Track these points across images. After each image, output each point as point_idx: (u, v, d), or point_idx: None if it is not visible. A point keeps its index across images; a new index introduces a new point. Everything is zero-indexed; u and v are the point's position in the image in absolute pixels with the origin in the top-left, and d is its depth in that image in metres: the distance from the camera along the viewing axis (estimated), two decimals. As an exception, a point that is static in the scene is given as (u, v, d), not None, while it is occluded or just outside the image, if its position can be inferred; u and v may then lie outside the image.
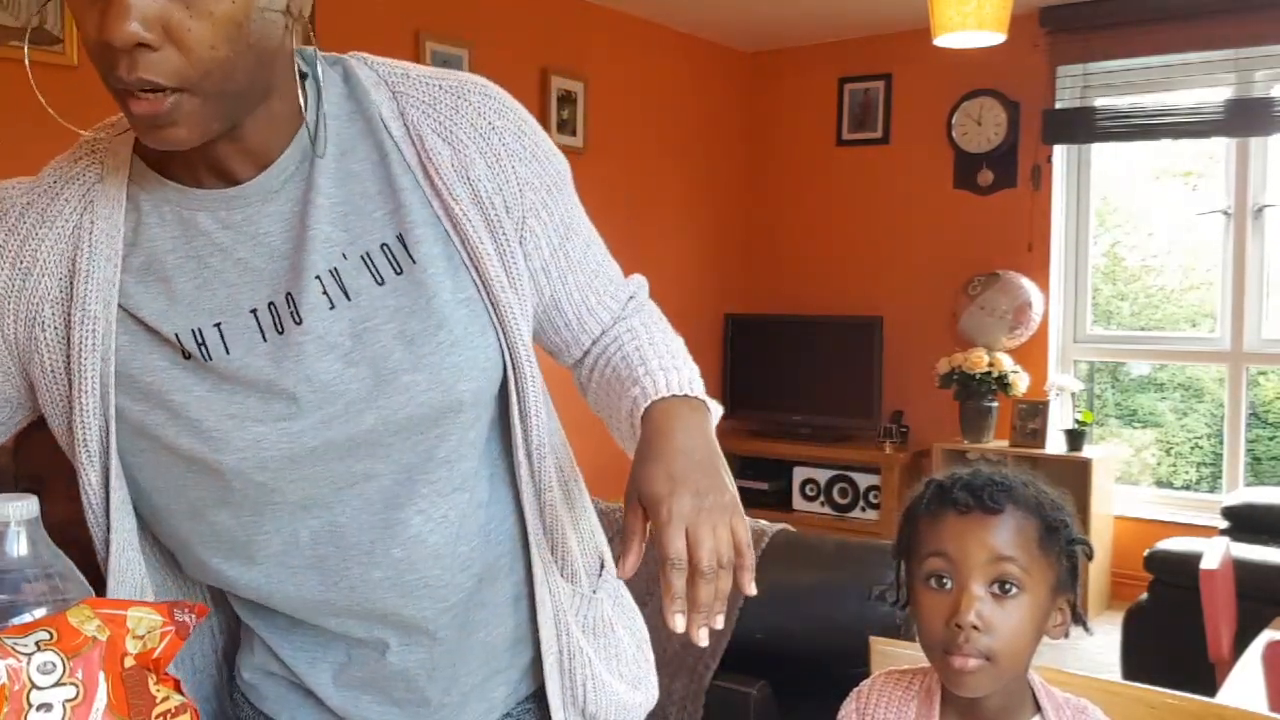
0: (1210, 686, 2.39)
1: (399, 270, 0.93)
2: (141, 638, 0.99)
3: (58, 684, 0.90)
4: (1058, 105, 5.02)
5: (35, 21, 2.97)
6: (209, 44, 0.79)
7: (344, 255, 0.92)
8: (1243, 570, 2.92)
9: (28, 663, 0.89)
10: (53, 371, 0.91)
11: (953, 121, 5.25)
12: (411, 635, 1.01)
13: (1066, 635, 1.19)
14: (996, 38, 3.69)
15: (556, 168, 1.02)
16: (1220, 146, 4.90)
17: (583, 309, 1.08)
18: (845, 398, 5.39)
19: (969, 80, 5.17)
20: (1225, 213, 4.89)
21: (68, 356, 0.90)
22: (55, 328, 0.90)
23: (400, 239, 0.94)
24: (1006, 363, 4.92)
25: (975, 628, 1.10)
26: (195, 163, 0.90)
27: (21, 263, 0.89)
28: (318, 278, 0.91)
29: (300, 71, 0.91)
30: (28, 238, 0.90)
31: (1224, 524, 3.80)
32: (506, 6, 4.54)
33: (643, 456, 0.94)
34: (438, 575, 0.98)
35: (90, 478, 0.93)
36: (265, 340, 0.91)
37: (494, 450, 1.03)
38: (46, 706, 0.89)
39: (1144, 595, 3.44)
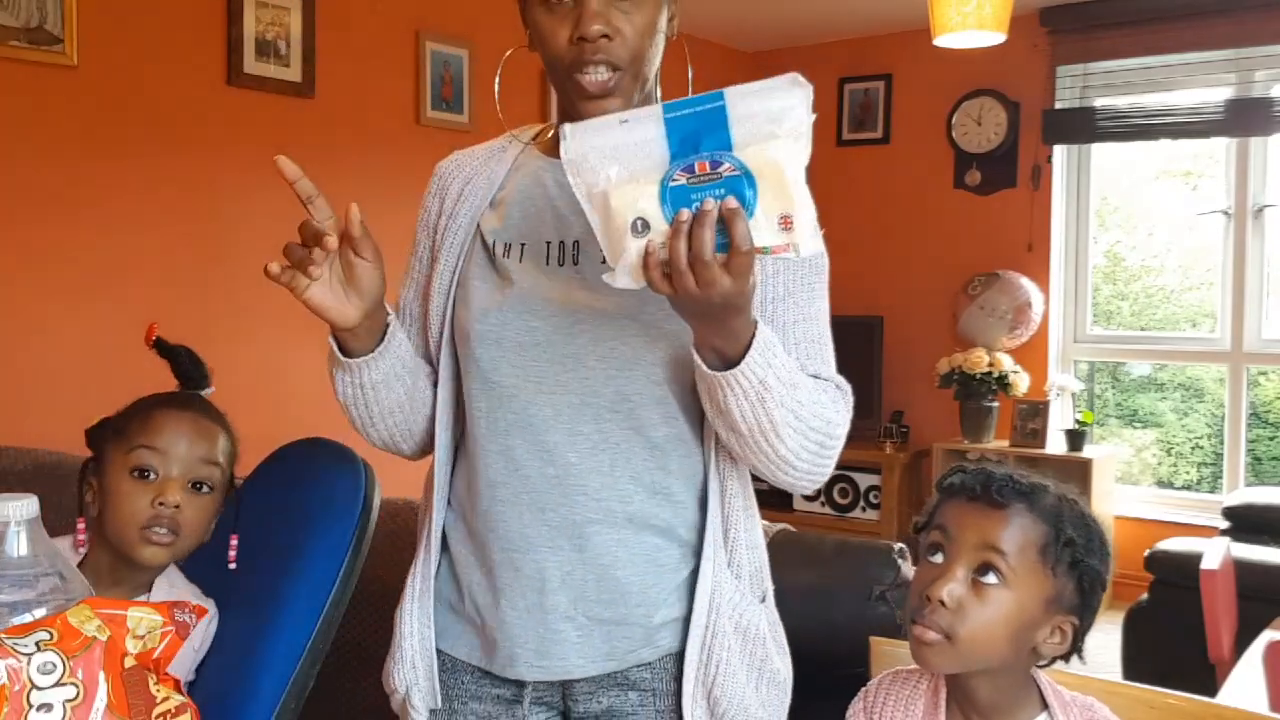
0: (1210, 686, 2.38)
1: None
2: (141, 638, 1.00)
3: (58, 684, 0.90)
4: (1058, 105, 5.02)
5: (35, 21, 2.96)
6: (641, 34, 1.17)
7: None
8: (1243, 570, 2.93)
9: (28, 663, 0.89)
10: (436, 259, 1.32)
11: (953, 121, 5.25)
12: (558, 537, 1.19)
13: (1066, 660, 1.19)
14: (996, 38, 3.69)
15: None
16: (1220, 146, 4.90)
17: None
18: (845, 398, 5.38)
19: (969, 80, 5.17)
20: (1225, 213, 4.89)
21: (439, 247, 1.31)
22: (442, 228, 1.32)
23: None
24: (1006, 363, 4.92)
25: (943, 602, 1.12)
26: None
27: (441, 187, 1.35)
28: None
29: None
30: (446, 176, 1.35)
31: (1224, 524, 3.81)
32: (506, 6, 4.49)
33: None
34: (598, 489, 1.18)
35: (434, 327, 1.30)
36: (547, 264, 1.24)
37: (690, 437, 1.21)
38: (47, 706, 0.89)
39: (1144, 595, 3.45)
